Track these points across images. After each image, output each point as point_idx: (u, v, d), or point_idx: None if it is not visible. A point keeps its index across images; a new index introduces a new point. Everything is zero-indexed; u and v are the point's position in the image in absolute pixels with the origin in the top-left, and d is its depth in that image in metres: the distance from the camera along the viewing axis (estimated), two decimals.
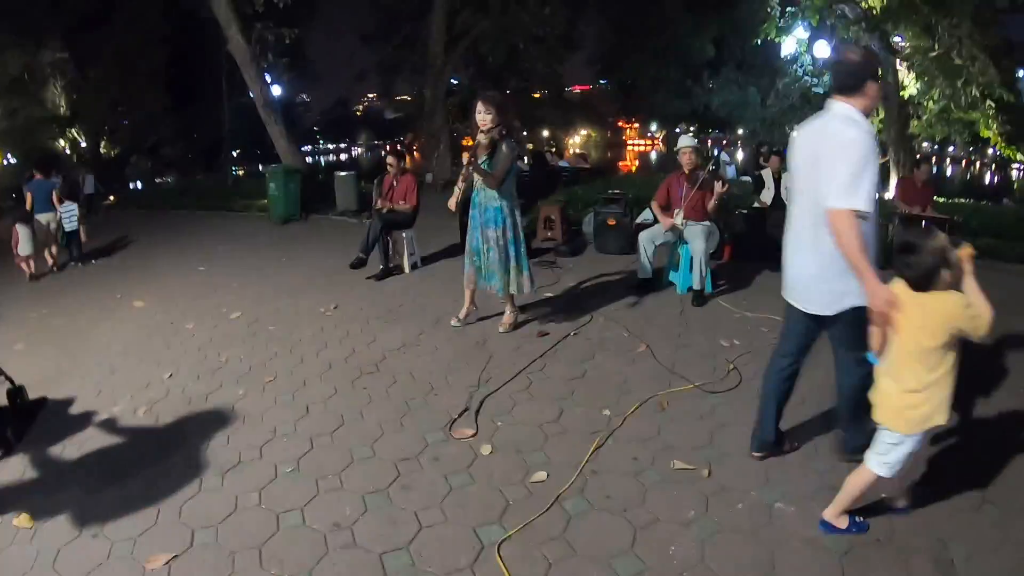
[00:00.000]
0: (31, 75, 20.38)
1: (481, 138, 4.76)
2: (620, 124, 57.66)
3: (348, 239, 9.79)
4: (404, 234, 7.36)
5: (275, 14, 13.60)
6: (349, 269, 7.29)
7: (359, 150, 48.96)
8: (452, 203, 5.00)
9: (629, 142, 66.55)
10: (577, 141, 45.12)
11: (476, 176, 4.84)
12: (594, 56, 25.64)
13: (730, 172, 14.25)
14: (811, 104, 16.80)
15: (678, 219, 6.22)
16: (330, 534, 2.72)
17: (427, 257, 7.82)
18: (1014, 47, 14.57)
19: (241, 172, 24.15)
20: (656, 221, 6.48)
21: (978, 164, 30.74)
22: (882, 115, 15.20)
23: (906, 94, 14.37)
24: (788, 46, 15.15)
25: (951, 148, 19.21)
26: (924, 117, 14.80)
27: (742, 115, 20.19)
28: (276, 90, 16.91)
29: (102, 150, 23.10)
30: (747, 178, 13.27)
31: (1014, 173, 34.01)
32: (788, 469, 3.08)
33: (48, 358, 5.00)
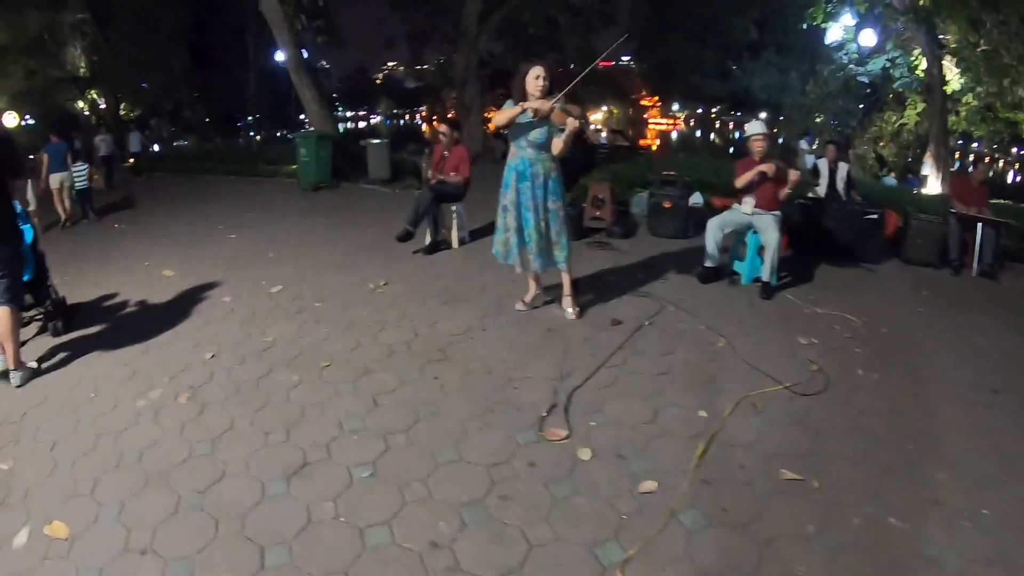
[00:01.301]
0: (51, 35, 19.82)
1: (555, 105, 4.19)
2: (642, 102, 56.69)
3: (384, 209, 9.33)
4: (454, 207, 6.86)
5: None
6: (392, 242, 6.79)
7: (378, 118, 48.15)
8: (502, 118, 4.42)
9: (651, 120, 65.62)
10: (599, 117, 44.25)
11: (531, 147, 4.39)
12: (629, 32, 24.87)
13: (809, 161, 13.71)
14: (851, 92, 16.21)
15: (747, 207, 5.87)
16: (427, 555, 2.27)
17: (473, 232, 7.34)
18: None
19: (258, 137, 23.48)
20: (707, 204, 5.99)
21: (1001, 162, 30.10)
22: (920, 108, 14.65)
23: (949, 89, 13.78)
24: (834, 33, 14.50)
25: (975, 144, 18.65)
26: (963, 113, 14.24)
27: (782, 100, 19.50)
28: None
29: (121, 112, 22.55)
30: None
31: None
32: (894, 481, 2.84)
33: (73, 333, 4.54)
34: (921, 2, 12.34)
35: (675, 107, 60.74)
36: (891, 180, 15.12)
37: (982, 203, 7.65)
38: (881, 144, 16.28)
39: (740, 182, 5.94)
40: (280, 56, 15.19)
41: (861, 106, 16.29)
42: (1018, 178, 33.88)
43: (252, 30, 15.82)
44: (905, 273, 7.17)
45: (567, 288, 4.79)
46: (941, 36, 13.25)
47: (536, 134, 4.38)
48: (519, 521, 2.46)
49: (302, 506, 2.53)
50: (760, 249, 5.95)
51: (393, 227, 7.49)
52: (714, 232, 5.92)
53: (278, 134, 26.67)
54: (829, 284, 6.15)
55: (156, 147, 13.70)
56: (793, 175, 5.68)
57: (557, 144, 4.34)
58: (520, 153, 4.46)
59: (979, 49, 12.48)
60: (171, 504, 2.56)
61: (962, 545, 2.46)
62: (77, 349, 4.21)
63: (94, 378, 3.74)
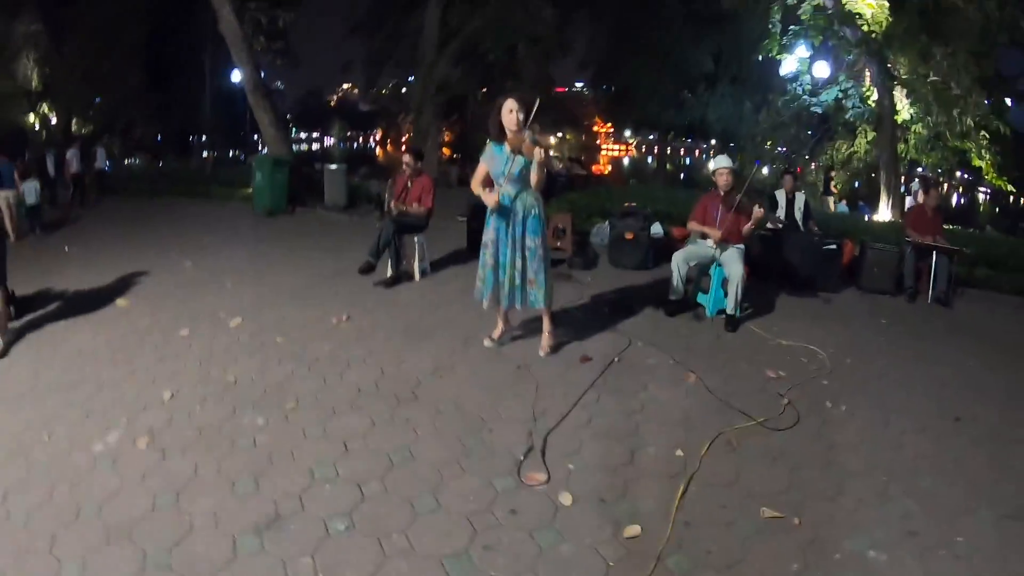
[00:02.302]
0: (3, 47, 19.19)
1: (525, 137, 4.24)
2: (595, 128, 57.64)
3: (342, 237, 9.26)
4: (416, 238, 6.83)
5: None
6: (352, 272, 6.73)
7: (332, 141, 47.82)
8: (493, 199, 4.46)
9: (603, 147, 66.71)
10: (552, 143, 44.80)
11: (509, 183, 4.43)
12: (585, 60, 25.34)
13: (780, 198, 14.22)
14: (802, 121, 16.84)
15: (712, 241, 6.05)
16: None
17: (433, 263, 7.33)
18: (1004, 80, 14.80)
19: (207, 156, 23.03)
20: (667, 235, 6.12)
21: (946, 186, 31.70)
22: (871, 136, 15.30)
23: (899, 118, 14.47)
24: (788, 65, 15.10)
25: (919, 168, 19.61)
26: (911, 142, 14.93)
27: (736, 129, 20.14)
28: None
29: (73, 128, 21.88)
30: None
31: (980, 196, 34.88)
32: (871, 514, 2.95)
33: (23, 366, 4.34)
34: (873, 35, 12.92)
35: (627, 133, 61.98)
36: (843, 207, 15.69)
37: (937, 231, 7.99)
38: (833, 172, 16.89)
39: (691, 227, 6.11)
40: (236, 76, 14.99)
41: (811, 135, 16.91)
42: (962, 200, 35.55)
43: (209, 49, 15.59)
44: (863, 301, 7.45)
45: (546, 325, 4.79)
46: (892, 68, 13.88)
47: (513, 169, 4.39)
48: (505, 572, 2.43)
49: (277, 562, 2.44)
50: (724, 282, 6.10)
51: (352, 256, 7.47)
52: (679, 266, 6.04)
53: (231, 154, 26.24)
54: (791, 314, 6.36)
55: (107, 165, 13.25)
56: (757, 212, 5.82)
57: (534, 177, 4.35)
58: (500, 189, 4.48)
59: (929, 80, 13.12)
60: (136, 561, 2.44)
61: (939, 573, 2.58)
62: (27, 384, 4.03)
63: (46, 418, 3.55)
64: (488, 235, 4.60)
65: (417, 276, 6.86)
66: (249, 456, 3.18)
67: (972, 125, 13.31)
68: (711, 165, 6.43)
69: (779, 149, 18.23)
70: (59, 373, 4.20)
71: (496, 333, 4.93)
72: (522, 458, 3.25)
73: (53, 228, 9.32)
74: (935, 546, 2.74)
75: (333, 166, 12.37)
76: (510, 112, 4.30)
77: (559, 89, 24.77)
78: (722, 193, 6.08)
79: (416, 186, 6.82)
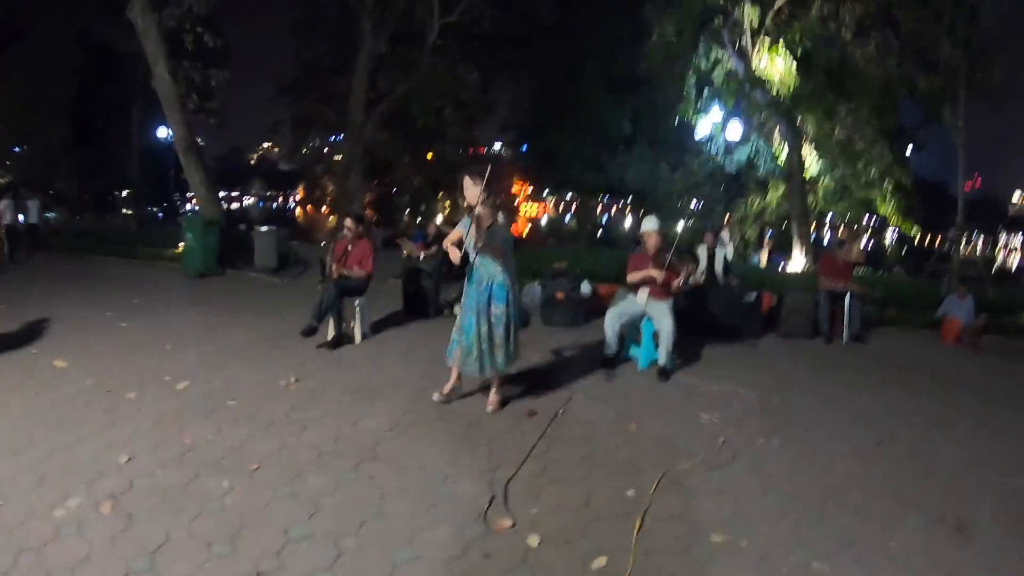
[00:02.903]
0: None
1: (479, 210, 4.62)
2: (513, 189, 58.80)
3: (275, 299, 9.28)
4: (356, 302, 6.99)
5: (198, 55, 13.00)
6: (292, 334, 6.84)
7: (251, 199, 47.07)
8: (455, 254, 4.76)
9: (521, 206, 67.95)
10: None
11: (474, 253, 4.74)
12: (507, 123, 26.24)
13: (728, 252, 15.07)
14: (715, 180, 17.97)
15: (642, 298, 6.44)
16: None
17: (372, 325, 7.46)
18: (904, 131, 16.29)
19: (129, 214, 22.36)
20: (595, 294, 6.67)
21: (842, 230, 34.57)
22: (781, 191, 16.47)
23: (807, 174, 15.68)
24: (703, 127, 16.16)
25: (829, 216, 21.27)
26: (820, 194, 16.19)
27: (654, 188, 21.21)
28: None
29: None
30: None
31: (887, 239, 37.50)
32: (810, 531, 3.37)
33: None
34: (781, 97, 14.06)
35: (544, 192, 63.53)
36: (755, 258, 16.72)
37: (848, 278, 8.79)
38: (746, 225, 17.95)
39: (632, 279, 6.51)
40: (162, 133, 14.84)
41: (724, 192, 17.99)
42: (871, 243, 38.08)
43: (138, 105, 15.37)
44: (783, 346, 8.14)
45: (495, 384, 5.06)
46: (800, 126, 15.08)
47: (471, 242, 4.72)
48: None
49: None
50: (655, 335, 6.51)
51: (289, 318, 7.60)
52: (612, 323, 6.45)
53: (150, 210, 25.54)
54: (718, 362, 6.92)
55: (40, 219, 12.65)
56: (687, 268, 6.33)
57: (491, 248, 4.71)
58: (471, 259, 4.80)
59: (834, 136, 14.33)
60: None
61: (878, 574, 3.03)
62: None
63: None
64: (463, 300, 4.92)
65: (358, 338, 6.99)
66: (220, 518, 3.25)
67: (876, 176, 14.53)
68: (642, 227, 6.87)
69: (692, 207, 19.40)
70: (4, 436, 4.11)
71: (447, 388, 5.14)
72: (487, 506, 3.48)
73: None
74: (872, 552, 3.19)
75: (264, 228, 12.37)
76: (466, 188, 4.71)
77: (479, 150, 25.53)
78: (650, 253, 6.53)
79: (356, 250, 7.00)
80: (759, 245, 17.84)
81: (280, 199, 51.68)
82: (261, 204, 45.26)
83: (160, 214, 29.10)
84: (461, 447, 4.29)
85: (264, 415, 4.65)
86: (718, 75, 15.22)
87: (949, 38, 12.57)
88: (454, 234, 4.94)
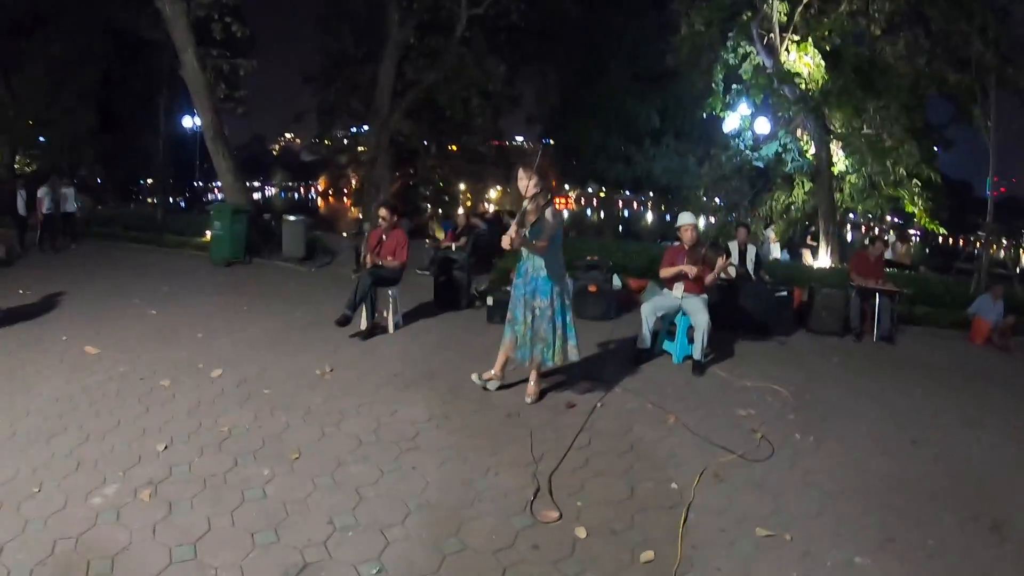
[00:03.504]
0: None
1: (527, 204, 4.53)
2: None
3: (304, 288, 9.23)
4: (390, 292, 6.91)
5: (225, 44, 12.96)
6: (324, 323, 6.82)
7: (273, 190, 47.16)
8: (508, 242, 4.57)
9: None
10: (493, 197, 45.42)
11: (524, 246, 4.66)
12: (532, 115, 26.03)
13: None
14: (742, 174, 17.72)
15: (677, 292, 6.35)
16: None
17: (404, 316, 7.40)
18: (933, 128, 15.95)
19: (151, 202, 22.39)
20: (625, 287, 6.73)
21: (877, 230, 34.03)
22: (808, 187, 16.20)
23: (836, 170, 15.39)
24: (731, 121, 15.91)
25: (851, 215, 20.95)
26: (846, 191, 15.89)
27: (681, 182, 20.96)
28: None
29: (16, 166, 20.98)
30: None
31: (912, 238, 36.86)
32: (851, 528, 3.33)
33: None
34: (810, 92, 13.80)
35: (566, 187, 63.34)
36: (785, 255, 16.48)
37: (879, 275, 8.64)
38: (771, 222, 17.72)
39: (666, 273, 6.38)
40: (188, 122, 14.83)
41: (751, 187, 17.77)
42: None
43: (164, 93, 15.36)
44: (814, 343, 8.02)
45: (533, 375, 4.96)
46: (828, 122, 14.81)
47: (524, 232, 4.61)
48: None
49: None
50: (689, 330, 6.40)
51: (319, 307, 7.58)
52: (647, 317, 6.34)
53: (172, 201, 25.61)
54: (750, 358, 6.84)
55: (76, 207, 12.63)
56: (721, 261, 6.22)
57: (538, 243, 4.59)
58: (522, 253, 4.75)
59: (863, 133, 14.04)
60: None
61: (918, 571, 3.00)
62: (4, 434, 3.85)
63: (31, 469, 3.41)
64: (512, 291, 4.90)
65: (391, 328, 6.91)
66: (262, 507, 3.17)
67: (905, 174, 14.25)
68: (678, 221, 6.76)
69: (716, 200, 19.16)
70: (38, 422, 4.05)
71: (487, 373, 5.09)
72: (532, 498, 3.39)
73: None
74: (911, 549, 3.16)
75: (292, 217, 12.34)
76: (520, 180, 4.61)
77: (496, 143, 25.34)
78: (686, 247, 6.41)
79: (390, 240, 6.92)
80: (803, 243, 17.68)
81: (302, 189, 51.86)
82: (284, 195, 45.35)
83: (183, 203, 29.15)
84: (502, 438, 4.20)
85: (301, 404, 4.57)
86: (746, 70, 15.00)
87: (980, 37, 12.26)
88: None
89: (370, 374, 5.38)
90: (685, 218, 6.68)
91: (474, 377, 5.05)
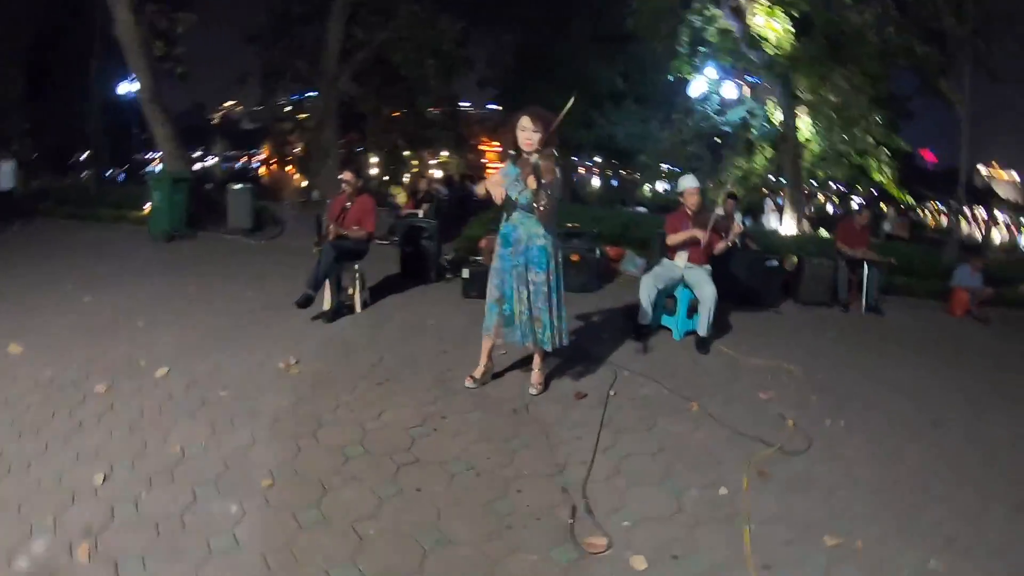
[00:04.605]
0: None
1: (537, 159, 3.80)
2: (481, 147, 57.54)
3: (254, 264, 8.33)
4: (356, 266, 6.11)
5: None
6: (282, 306, 5.95)
7: (214, 159, 44.62)
8: (489, 190, 4.04)
9: (490, 165, 67.03)
10: (440, 162, 44.21)
11: (516, 209, 4.03)
12: (485, 79, 24.84)
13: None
14: (702, 140, 17.28)
15: (681, 262, 5.84)
16: None
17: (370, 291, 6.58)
18: (897, 100, 15.78)
19: (86, 174, 20.46)
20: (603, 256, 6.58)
21: (822, 197, 34.55)
22: (770, 153, 15.89)
23: (801, 137, 15.09)
24: (698, 85, 15.38)
25: (811, 181, 21.06)
26: (807, 157, 15.66)
27: (643, 147, 20.34)
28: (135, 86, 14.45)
29: None
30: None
31: (853, 205, 37.40)
32: (914, 527, 3.02)
33: None
34: (779, 58, 13.37)
35: (512, 152, 62.39)
36: (748, 221, 16.21)
37: (865, 244, 8.36)
38: (729, 187, 17.44)
39: (674, 240, 5.82)
40: (124, 88, 13.38)
41: (710, 151, 17.39)
42: (837, 211, 37.95)
43: (97, 56, 13.81)
44: (805, 315, 7.74)
45: (537, 362, 4.32)
46: (796, 89, 14.44)
47: (520, 195, 3.94)
48: None
49: None
50: (690, 303, 5.88)
51: (274, 286, 6.81)
52: (648, 289, 5.78)
53: (109, 174, 23.55)
54: (748, 331, 6.45)
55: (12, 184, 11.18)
56: (736, 227, 5.75)
57: (539, 207, 3.94)
58: (506, 216, 4.07)
59: (830, 101, 13.73)
60: None
61: (988, 572, 2.73)
62: None
63: None
64: (494, 263, 4.16)
65: (359, 307, 6.14)
66: (235, 562, 2.41)
67: (873, 142, 14.06)
68: (679, 185, 6.18)
69: (667, 168, 18.68)
70: None
71: (478, 372, 4.37)
72: (571, 521, 2.78)
73: None
74: (974, 547, 2.89)
75: (237, 186, 11.22)
76: (523, 131, 3.84)
77: (437, 109, 24.10)
78: (690, 213, 5.86)
79: (355, 207, 6.10)
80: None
81: (245, 158, 49.52)
82: (224, 166, 43.04)
83: (121, 175, 27.12)
84: (513, 442, 3.54)
85: (266, 409, 3.77)
86: (712, 33, 14.45)
87: (954, 11, 11.93)
88: (496, 178, 4.09)
89: (343, 366, 4.61)
90: (688, 181, 6.12)
91: (469, 383, 4.30)
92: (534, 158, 3.76)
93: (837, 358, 5.82)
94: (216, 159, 44.60)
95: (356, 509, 2.78)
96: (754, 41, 13.72)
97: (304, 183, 21.97)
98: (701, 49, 14.78)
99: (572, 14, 20.58)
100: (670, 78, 15.81)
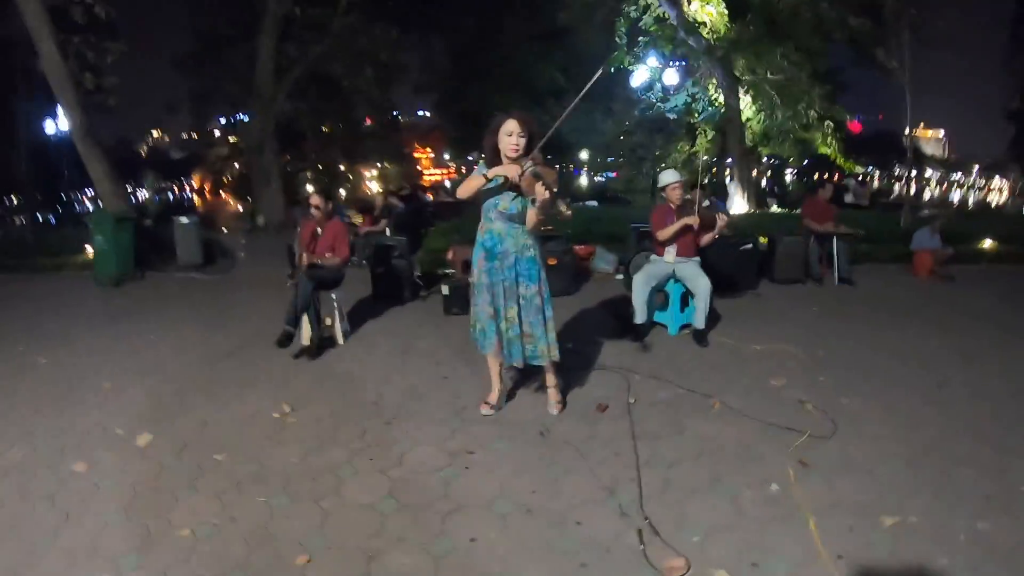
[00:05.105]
0: None
1: (532, 166, 3.41)
2: (415, 154, 57.03)
3: (215, 302, 7.78)
4: (333, 295, 5.70)
5: (86, 29, 10.77)
6: (255, 346, 5.60)
7: (146, 193, 42.51)
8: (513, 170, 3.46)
9: (425, 172, 66.82)
10: (374, 174, 43.33)
11: (500, 220, 3.69)
12: (421, 86, 24.29)
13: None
14: (644, 127, 17.27)
15: (670, 257, 5.71)
16: None
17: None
18: (832, 72, 16.06)
19: (18, 221, 18.97)
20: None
21: (755, 171, 35.39)
22: (711, 136, 15.99)
23: (744, 117, 15.20)
24: (640, 75, 15.31)
25: (729, 160, 21.33)
26: (748, 136, 15.82)
27: (588, 140, 20.17)
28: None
29: None
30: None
31: (787, 178, 38.26)
32: (948, 492, 3.03)
33: None
34: (716, 42, 13.39)
35: (446, 156, 62.58)
36: (721, 205, 16.30)
37: (832, 219, 8.38)
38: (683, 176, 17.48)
39: (664, 234, 5.63)
40: (51, 128, 12.36)
41: (652, 138, 17.41)
42: (772, 186, 38.79)
43: (19, 96, 12.78)
44: (783, 293, 7.72)
45: (551, 379, 4.03)
46: (736, 71, 14.51)
47: (507, 204, 3.63)
48: None
49: None
50: (682, 297, 5.78)
51: (241, 325, 6.41)
52: (641, 288, 5.67)
53: (40, 218, 21.97)
54: (737, 317, 6.36)
55: None
56: (721, 220, 5.59)
57: (531, 217, 3.67)
58: (488, 226, 3.74)
59: (772, 79, 13.84)
60: None
61: None
62: None
63: None
64: (478, 277, 3.79)
65: (340, 339, 5.73)
66: None
67: (816, 116, 14.25)
68: (661, 180, 5.99)
69: (608, 159, 18.57)
70: None
71: (493, 397, 4.08)
72: (641, 545, 2.60)
73: None
74: (1008, 503, 2.90)
75: (184, 219, 10.47)
76: (509, 135, 3.51)
77: (370, 119, 23.38)
78: (674, 206, 5.72)
79: (327, 233, 5.70)
80: (770, 194, 17.60)
81: (176, 189, 47.58)
82: (157, 198, 41.20)
83: (53, 219, 25.50)
84: (553, 470, 3.26)
85: (273, 469, 3.36)
86: (647, 22, 14.38)
87: None
88: (474, 180, 3.63)
89: (342, 407, 4.22)
90: (670, 176, 5.96)
91: (485, 410, 4.00)
92: (528, 165, 3.40)
93: (829, 333, 5.78)
94: (148, 193, 42.78)
95: (410, 573, 2.43)
96: (691, 27, 13.70)
97: (241, 209, 21.09)
98: (642, 39, 14.68)
99: (505, 14, 20.23)
100: (611, 70, 15.69)
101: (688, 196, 5.93)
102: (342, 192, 25.17)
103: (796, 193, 29.09)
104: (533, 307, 3.75)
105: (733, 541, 2.63)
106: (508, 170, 3.44)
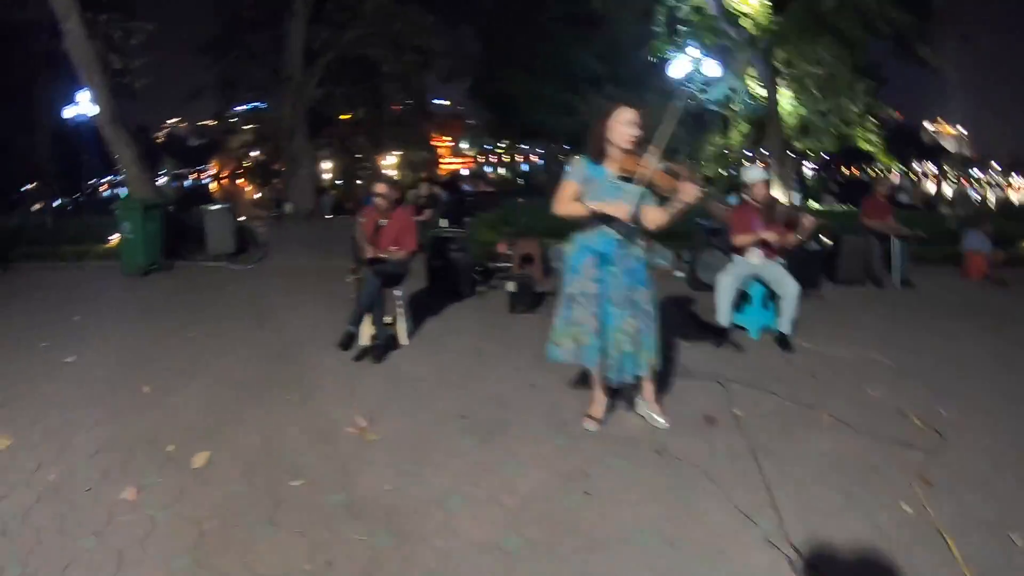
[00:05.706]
0: None
1: (654, 164, 3.03)
2: (433, 143, 56.68)
3: (254, 294, 7.28)
4: (396, 292, 5.14)
5: (111, 8, 10.20)
6: (306, 345, 5.09)
7: (163, 179, 41.93)
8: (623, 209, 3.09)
9: (443, 161, 66.59)
10: (393, 162, 42.76)
11: (601, 217, 3.20)
12: (452, 71, 23.41)
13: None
14: (681, 120, 16.65)
15: (755, 259, 5.26)
16: None
17: None
18: (872, 67, 15.49)
19: (38, 208, 18.37)
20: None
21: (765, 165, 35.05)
22: (746, 129, 15.43)
23: (782, 110, 14.64)
24: (679, 66, 14.70)
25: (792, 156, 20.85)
26: (786, 130, 15.26)
27: None
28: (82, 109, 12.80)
29: None
30: None
31: (807, 172, 37.60)
32: None
33: None
34: (759, 34, 12.81)
35: (465, 145, 61.97)
36: (733, 199, 15.68)
37: (890, 216, 7.88)
38: (703, 164, 17.00)
39: (741, 241, 5.14)
40: (70, 111, 11.74)
41: (686, 131, 16.88)
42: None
43: (41, 81, 12.21)
44: (847, 295, 7.24)
45: (649, 390, 3.58)
46: (779, 66, 13.92)
47: (641, 202, 3.12)
48: None
49: None
50: (764, 299, 5.42)
51: (286, 320, 5.92)
52: (727, 290, 5.22)
53: (55, 204, 21.36)
54: (810, 321, 5.75)
55: None
56: (807, 221, 5.12)
57: (657, 216, 3.20)
58: (599, 227, 3.19)
59: (814, 72, 13.27)
60: None
61: None
62: None
63: None
64: (578, 285, 3.29)
65: (404, 339, 5.18)
66: None
67: (858, 112, 13.71)
68: (746, 177, 5.48)
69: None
70: None
71: (597, 411, 3.58)
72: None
73: None
74: None
75: (214, 206, 9.95)
76: (627, 125, 3.08)
77: (395, 106, 22.68)
78: (758, 206, 5.29)
79: (393, 224, 5.14)
80: (826, 189, 17.11)
81: (194, 176, 47.03)
82: (174, 184, 40.71)
83: (70, 206, 24.94)
84: (683, 494, 2.85)
85: (365, 499, 2.82)
86: (686, 11, 13.78)
87: None
88: (568, 192, 3.24)
89: (425, 420, 3.69)
90: (756, 173, 5.54)
91: (591, 426, 3.50)
92: (654, 160, 3.00)
93: (907, 339, 5.41)
94: (166, 179, 42.31)
95: None
96: (731, 16, 13.10)
97: (258, 195, 20.56)
98: (682, 28, 14.07)
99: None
100: (651, 59, 15.05)
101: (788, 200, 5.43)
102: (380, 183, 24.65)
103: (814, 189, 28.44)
104: (643, 313, 3.29)
105: (886, 568, 2.37)
106: (631, 164, 3.04)
